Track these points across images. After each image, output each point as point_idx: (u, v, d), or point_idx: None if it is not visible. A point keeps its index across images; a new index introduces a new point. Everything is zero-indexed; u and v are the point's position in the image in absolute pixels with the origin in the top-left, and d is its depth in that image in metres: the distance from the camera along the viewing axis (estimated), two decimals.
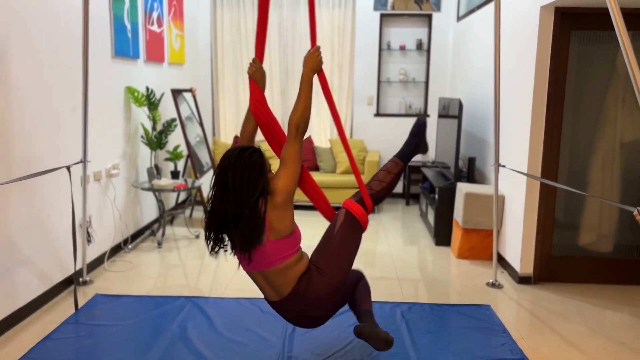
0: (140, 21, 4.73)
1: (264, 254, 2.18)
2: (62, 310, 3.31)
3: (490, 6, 4.73)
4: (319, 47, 2.40)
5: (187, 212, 5.71)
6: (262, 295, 3.45)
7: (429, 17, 6.49)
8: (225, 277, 3.96)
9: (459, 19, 6.17)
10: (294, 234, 2.27)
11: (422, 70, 6.65)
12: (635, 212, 2.12)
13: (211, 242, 2.18)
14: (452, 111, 5.17)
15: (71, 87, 3.59)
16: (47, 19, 3.30)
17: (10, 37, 2.95)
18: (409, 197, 6.50)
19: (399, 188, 6.74)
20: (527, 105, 3.80)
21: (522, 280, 3.92)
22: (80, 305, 3.26)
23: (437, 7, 6.44)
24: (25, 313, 3.18)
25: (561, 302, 3.61)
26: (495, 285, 3.86)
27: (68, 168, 3.21)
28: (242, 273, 4.05)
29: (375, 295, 3.61)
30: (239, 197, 2.07)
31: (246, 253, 2.15)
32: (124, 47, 4.38)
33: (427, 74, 6.61)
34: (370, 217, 5.85)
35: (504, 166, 3.67)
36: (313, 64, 2.35)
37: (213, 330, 2.94)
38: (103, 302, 3.31)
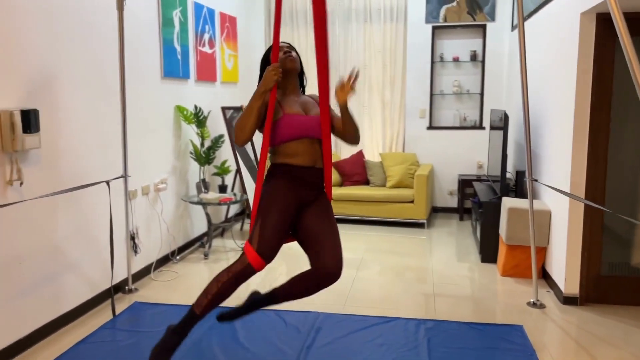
0: (191, 43, 5.00)
1: None
2: (106, 316, 3.53)
3: (540, 13, 4.57)
4: (276, 66, 2.42)
5: (239, 225, 5.91)
6: (288, 308, 3.52)
7: (483, 27, 6.34)
8: (263, 288, 4.05)
9: (513, 27, 5.98)
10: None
11: (477, 81, 6.49)
12: None
13: None
14: (501, 123, 5.00)
15: (118, 108, 3.85)
16: (94, 45, 3.58)
17: (58, 63, 3.23)
18: (463, 212, 6.33)
19: (453, 202, 6.60)
20: (569, 116, 3.62)
21: (567, 300, 3.71)
22: (119, 311, 3.47)
23: (492, 17, 6.28)
24: (72, 317, 3.43)
25: (606, 325, 3.38)
26: (536, 304, 3.68)
27: (107, 182, 3.45)
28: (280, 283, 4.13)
29: (406, 311, 3.57)
30: None
31: None
32: (173, 69, 4.64)
33: (482, 85, 6.44)
34: (422, 231, 5.77)
35: (536, 180, 3.51)
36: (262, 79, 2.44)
37: (234, 341, 3.02)
38: (140, 309, 3.50)
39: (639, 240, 3.66)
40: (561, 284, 3.77)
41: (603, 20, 3.45)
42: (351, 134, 2.59)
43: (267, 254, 2.36)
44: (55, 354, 2.96)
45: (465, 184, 6.26)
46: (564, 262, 3.72)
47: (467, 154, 6.54)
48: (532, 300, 3.72)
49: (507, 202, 4.24)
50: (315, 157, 2.57)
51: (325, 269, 2.36)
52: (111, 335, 3.12)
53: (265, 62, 2.65)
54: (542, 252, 4.16)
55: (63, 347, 3.05)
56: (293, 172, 2.53)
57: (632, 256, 3.69)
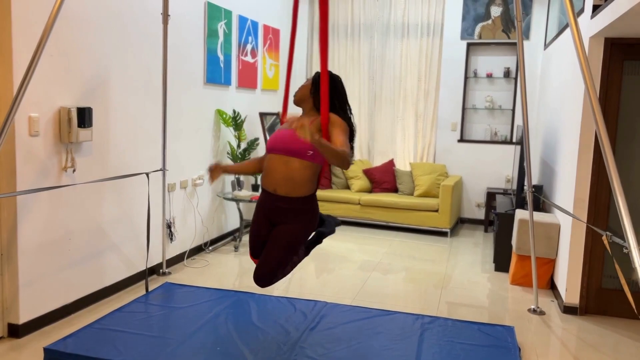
0: (234, 53, 5.45)
1: None
2: (140, 293, 3.98)
3: (562, 36, 4.75)
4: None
5: None
6: (301, 296, 3.85)
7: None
8: (283, 280, 4.41)
9: (546, 46, 6.13)
10: None
11: (510, 97, 6.65)
12: (604, 237, 2.18)
13: None
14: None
15: (161, 109, 4.32)
16: (143, 53, 4.07)
17: (111, 67, 3.73)
18: (488, 224, 6.49)
19: (481, 214, 6.76)
20: (576, 134, 3.81)
21: (567, 310, 3.88)
22: (151, 289, 3.91)
23: (526, 35, 6.44)
24: (110, 291, 3.90)
25: (599, 334, 3.54)
26: (536, 311, 3.87)
27: (147, 174, 3.91)
28: (300, 277, 4.49)
29: (408, 309, 3.84)
30: None
31: None
32: (215, 76, 5.10)
33: (514, 101, 6.60)
34: (444, 239, 5.99)
35: (533, 192, 3.72)
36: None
37: (247, 320, 3.39)
38: (171, 288, 3.93)
39: None
40: (563, 294, 3.94)
41: (611, 45, 3.63)
42: (335, 164, 2.38)
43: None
44: (94, 319, 3.42)
45: (492, 196, 6.43)
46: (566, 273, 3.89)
47: (496, 167, 6.70)
48: (532, 307, 3.91)
49: (519, 214, 4.44)
50: (277, 181, 2.63)
51: (255, 275, 2.79)
52: (144, 307, 3.55)
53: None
54: (551, 263, 4.33)
55: (101, 315, 3.51)
56: (261, 197, 2.80)
57: (633, 270, 3.82)
